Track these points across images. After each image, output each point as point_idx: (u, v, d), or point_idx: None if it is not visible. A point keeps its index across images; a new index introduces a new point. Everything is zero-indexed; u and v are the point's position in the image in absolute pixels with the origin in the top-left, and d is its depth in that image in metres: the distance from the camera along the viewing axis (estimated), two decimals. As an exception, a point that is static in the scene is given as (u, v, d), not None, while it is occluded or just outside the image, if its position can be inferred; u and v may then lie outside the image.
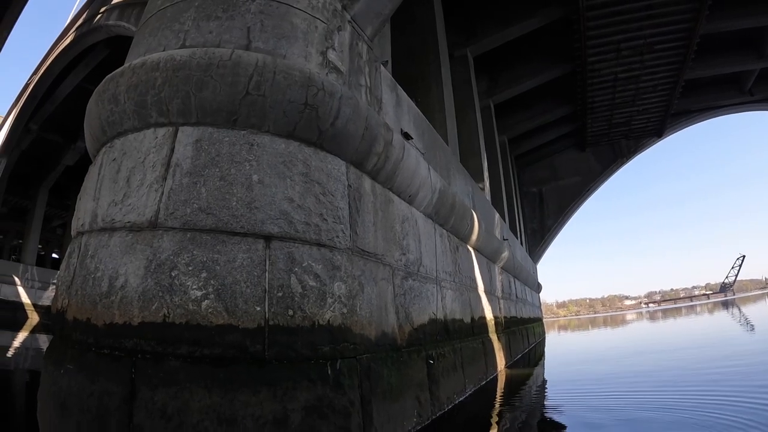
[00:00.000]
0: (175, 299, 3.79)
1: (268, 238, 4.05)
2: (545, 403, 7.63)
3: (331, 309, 4.21)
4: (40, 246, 33.31)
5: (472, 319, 8.86)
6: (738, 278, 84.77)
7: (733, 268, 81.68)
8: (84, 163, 26.27)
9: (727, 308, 40.29)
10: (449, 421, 6.14)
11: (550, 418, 6.63)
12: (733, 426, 4.73)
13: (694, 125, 31.26)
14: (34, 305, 25.56)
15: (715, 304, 53.01)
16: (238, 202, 4.02)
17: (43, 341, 15.04)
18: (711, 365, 9.08)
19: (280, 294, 3.96)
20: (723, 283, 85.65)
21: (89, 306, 4.10)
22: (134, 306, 3.84)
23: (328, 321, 4.17)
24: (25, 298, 25.85)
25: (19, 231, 33.78)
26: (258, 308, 3.87)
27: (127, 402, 3.63)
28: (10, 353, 12.28)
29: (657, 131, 29.56)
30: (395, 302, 5.43)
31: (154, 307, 3.80)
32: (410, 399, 5.37)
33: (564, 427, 5.80)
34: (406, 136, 6.03)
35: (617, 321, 45.54)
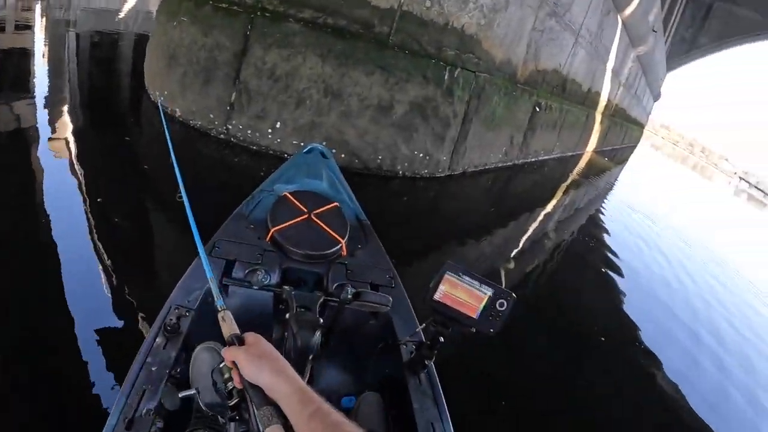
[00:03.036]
0: (310, -41, 3.62)
1: None
2: (605, 202, 7.69)
3: (470, 15, 4.00)
4: None
5: (589, 89, 8.50)
6: None
7: None
8: None
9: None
10: (527, 172, 6.38)
11: (601, 215, 6.77)
12: None
13: None
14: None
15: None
16: None
17: (153, 4, 15.15)
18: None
19: (423, -20, 3.74)
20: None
21: None
22: None
23: (463, 26, 4.00)
24: None
25: None
26: (395, -10, 3.70)
27: (236, 57, 3.74)
28: (121, 16, 12.40)
29: None
30: (530, 36, 5.12)
31: (286, -36, 3.66)
32: (505, 135, 5.43)
33: (606, 232, 5.94)
34: None
35: (704, 174, 43.99)
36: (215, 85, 3.80)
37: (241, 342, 0.88)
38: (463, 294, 1.28)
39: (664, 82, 24.43)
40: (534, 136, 6.21)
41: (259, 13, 3.72)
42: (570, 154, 8.66)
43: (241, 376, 0.79)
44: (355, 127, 3.81)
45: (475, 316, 1.30)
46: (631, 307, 3.95)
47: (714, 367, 3.55)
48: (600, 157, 11.41)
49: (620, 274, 4.48)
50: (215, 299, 1.22)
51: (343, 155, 3.79)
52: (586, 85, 8.18)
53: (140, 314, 1.96)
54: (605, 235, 5.71)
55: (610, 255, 4.94)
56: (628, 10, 8.31)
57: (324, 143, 3.37)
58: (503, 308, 1.27)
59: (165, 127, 2.20)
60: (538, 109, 5.94)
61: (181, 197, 1.77)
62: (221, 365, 0.89)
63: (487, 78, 4.51)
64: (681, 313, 4.26)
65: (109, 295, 2.03)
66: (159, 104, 3.61)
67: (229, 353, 0.86)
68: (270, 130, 3.74)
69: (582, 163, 9.34)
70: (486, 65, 4.44)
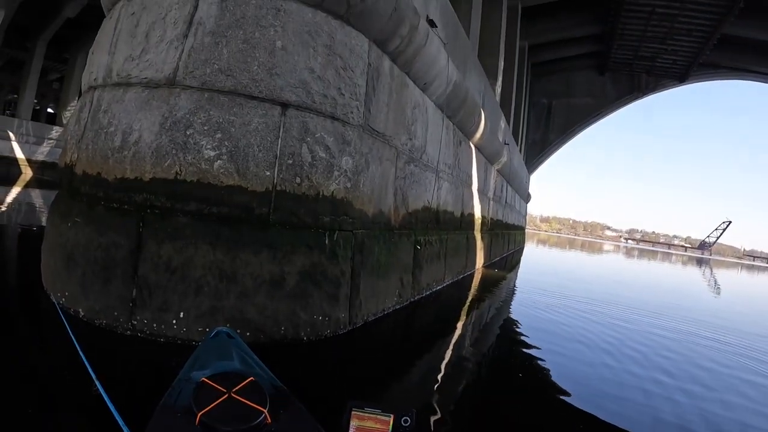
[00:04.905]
0: (189, 157, 3.92)
1: (284, 106, 4.12)
2: (511, 306, 8.31)
3: (337, 182, 4.39)
4: (35, 100, 32.65)
5: (462, 214, 9.15)
6: (718, 241, 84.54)
7: (716, 230, 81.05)
8: (86, 15, 25.37)
9: (699, 266, 41.51)
10: (425, 306, 6.61)
11: (512, 319, 7.23)
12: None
13: (718, 80, 30.71)
14: (28, 160, 25.22)
15: (690, 258, 53.89)
16: (259, 67, 4.05)
17: (37, 196, 15.03)
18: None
19: (290, 161, 4.11)
20: (703, 241, 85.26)
21: (100, 160, 4.21)
22: (147, 162, 3.96)
23: (332, 193, 4.36)
24: (19, 153, 25.46)
25: (15, 85, 32.80)
26: (268, 173, 4.03)
27: (133, 254, 3.84)
28: (3, 208, 12.13)
29: (680, 76, 28.54)
30: (395, 184, 5.63)
31: (166, 164, 3.92)
32: (395, 279, 5.71)
33: (522, 334, 6.26)
34: (431, 23, 5.93)
35: (594, 248, 47.32)
36: (115, 284, 3.81)
37: None
38: (371, 423, 1.54)
39: (530, 183, 26.33)
40: (422, 272, 6.54)
41: (149, 210, 3.87)
42: (461, 276, 9.09)
43: None
44: (255, 304, 3.90)
45: None
46: (570, 392, 4.17)
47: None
48: (491, 270, 11.98)
49: (547, 369, 4.75)
50: None
51: (248, 333, 3.83)
52: (458, 212, 8.80)
53: None
54: (522, 336, 6.04)
55: (532, 352, 5.23)
56: (477, 136, 9.24)
57: (228, 325, 3.45)
58: (408, 423, 1.53)
59: (66, 324, 2.26)
60: (419, 247, 6.32)
61: (97, 390, 1.87)
62: None
63: (364, 233, 4.85)
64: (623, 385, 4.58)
65: None
66: (57, 306, 3.61)
67: None
68: (174, 321, 3.75)
69: (476, 281, 9.78)
70: (361, 222, 4.78)
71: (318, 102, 4.27)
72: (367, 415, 1.55)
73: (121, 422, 1.69)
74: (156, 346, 3.71)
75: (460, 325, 6.25)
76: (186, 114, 3.97)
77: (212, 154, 3.93)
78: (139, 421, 1.91)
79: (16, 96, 33.34)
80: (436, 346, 5.17)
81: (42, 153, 24.48)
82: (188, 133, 3.94)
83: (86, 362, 2.10)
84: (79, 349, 2.16)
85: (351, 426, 1.53)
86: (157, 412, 2.00)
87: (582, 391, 4.22)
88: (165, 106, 4.00)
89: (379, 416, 1.55)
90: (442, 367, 4.61)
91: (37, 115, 33.98)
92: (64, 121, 28.22)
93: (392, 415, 1.56)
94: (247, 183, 3.98)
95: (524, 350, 5.37)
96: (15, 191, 16.89)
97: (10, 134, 25.12)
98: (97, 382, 1.90)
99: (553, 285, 11.64)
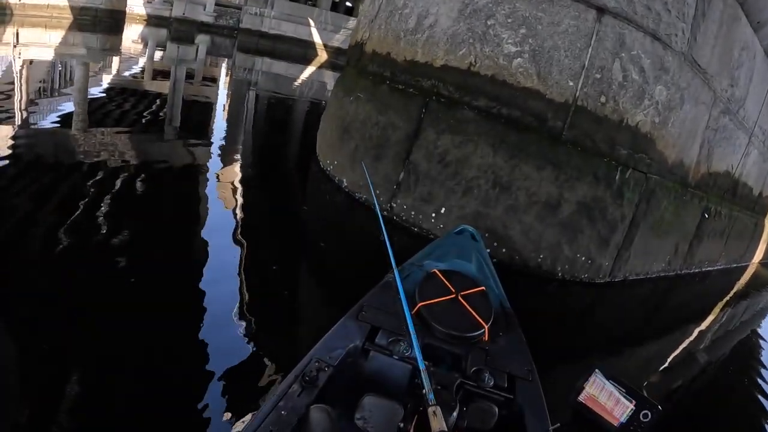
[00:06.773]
0: (486, 49, 3.66)
1: (601, 11, 3.60)
2: None
3: (645, 112, 3.80)
4: (336, -7, 35.26)
5: (760, 194, 7.75)
6: None
7: None
8: None
9: None
10: (689, 284, 5.77)
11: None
12: None
13: None
14: (325, 45, 27.74)
15: None
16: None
17: (328, 76, 16.42)
18: None
19: (598, 76, 3.62)
20: None
21: (391, 41, 4.17)
22: (440, 47, 3.81)
23: (637, 124, 3.80)
24: (317, 38, 27.96)
25: (317, -20, 35.68)
26: (571, 83, 3.61)
27: (409, 139, 3.79)
28: (297, 83, 13.52)
29: None
30: (704, 135, 4.76)
31: (461, 53, 3.73)
32: (670, 243, 4.99)
33: None
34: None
35: None
36: (385, 163, 3.89)
37: None
38: (607, 399, 1.35)
39: None
40: (700, 245, 5.65)
41: (434, 98, 3.80)
42: (734, 265, 7.89)
43: None
44: (521, 222, 3.67)
45: (616, 424, 1.35)
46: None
47: None
48: (766, 269, 10.44)
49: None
50: (426, 392, 1.30)
51: (504, 250, 3.65)
52: (757, 189, 7.44)
53: (269, 361, 2.14)
54: (761, 358, 5.07)
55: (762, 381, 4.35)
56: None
57: (486, 235, 3.31)
58: (647, 419, 1.32)
59: (380, 218, 2.56)
60: (706, 216, 5.43)
61: (393, 276, 1.92)
62: None
63: (658, 180, 4.22)
64: None
65: (245, 338, 2.25)
66: (374, 195, 3.54)
67: None
68: (434, 215, 3.71)
69: (747, 276, 8.53)
70: (658, 167, 4.16)
71: (639, 14, 3.66)
72: (607, 389, 1.27)
73: (407, 311, 1.68)
74: (407, 234, 3.70)
75: (710, 319, 5.30)
76: (489, 3, 3.69)
77: (513, 50, 3.62)
78: (354, 292, 1.92)
79: (317, -12, 35.98)
80: (679, 332, 4.50)
81: (337, 40, 26.94)
82: (489, 23, 3.68)
83: (389, 247, 2.15)
84: (383, 229, 2.28)
85: (585, 390, 1.26)
86: (380, 286, 1.97)
87: None
88: (469, -8, 3.73)
89: (620, 395, 1.25)
90: (675, 355, 3.99)
91: (336, 7, 36.84)
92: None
93: (634, 402, 1.24)
94: (546, 89, 3.61)
95: (758, 377, 4.40)
96: (310, 70, 18.60)
97: (310, 21, 27.66)
98: (395, 270, 1.95)
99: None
